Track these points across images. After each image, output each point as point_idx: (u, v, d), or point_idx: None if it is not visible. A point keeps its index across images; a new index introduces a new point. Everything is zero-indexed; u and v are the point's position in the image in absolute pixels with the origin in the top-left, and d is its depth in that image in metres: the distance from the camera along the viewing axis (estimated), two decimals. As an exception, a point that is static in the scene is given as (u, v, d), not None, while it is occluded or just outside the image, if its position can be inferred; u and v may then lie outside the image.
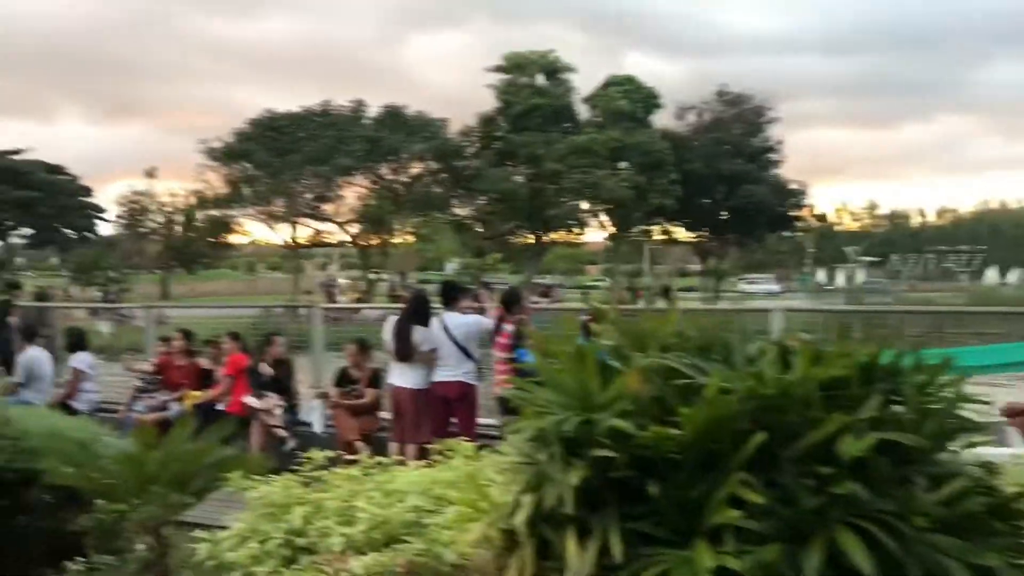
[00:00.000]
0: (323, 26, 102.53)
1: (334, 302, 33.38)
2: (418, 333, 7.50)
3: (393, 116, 44.76)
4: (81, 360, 9.49)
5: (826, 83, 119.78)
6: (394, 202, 45.00)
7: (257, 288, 60.80)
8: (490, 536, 2.52)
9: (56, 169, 58.14)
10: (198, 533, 3.66)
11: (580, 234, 49.97)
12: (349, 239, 48.99)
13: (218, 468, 4.01)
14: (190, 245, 54.18)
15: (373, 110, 45.43)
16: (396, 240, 49.88)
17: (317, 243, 51.89)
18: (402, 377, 7.61)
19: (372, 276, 47.75)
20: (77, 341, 9.78)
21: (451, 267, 58.77)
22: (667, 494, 2.14)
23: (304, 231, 48.54)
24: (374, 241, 47.76)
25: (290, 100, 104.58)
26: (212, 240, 53.56)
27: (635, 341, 2.57)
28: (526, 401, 2.48)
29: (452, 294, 7.82)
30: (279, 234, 49.44)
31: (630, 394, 2.29)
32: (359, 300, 38.35)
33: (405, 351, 7.51)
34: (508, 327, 7.42)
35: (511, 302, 7.68)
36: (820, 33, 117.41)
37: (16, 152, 56.38)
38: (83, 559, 4.37)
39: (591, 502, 2.20)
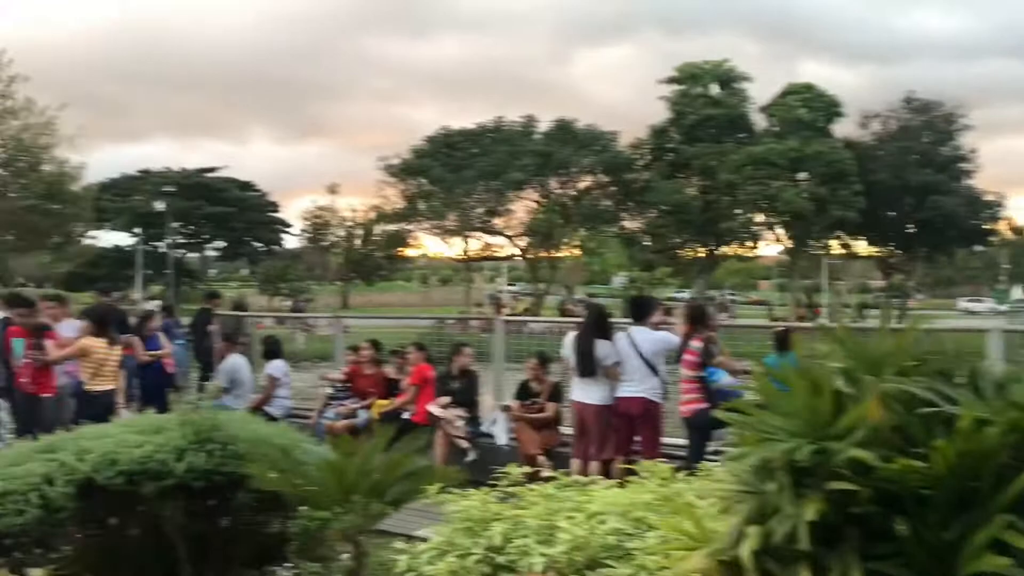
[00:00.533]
0: (495, 45, 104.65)
1: (501, 315, 33.77)
2: (602, 347, 7.38)
3: (563, 130, 45.01)
4: (276, 367, 9.93)
5: (1020, 88, 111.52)
6: (563, 215, 45.16)
7: (430, 300, 62.52)
8: (707, 567, 2.39)
9: (247, 186, 61.83)
10: (395, 543, 3.69)
11: (753, 247, 48.58)
12: (518, 252, 49.52)
13: (413, 479, 4.04)
14: (368, 258, 56.26)
15: (544, 125, 45.93)
16: (563, 254, 50.01)
17: (487, 256, 52.74)
18: (586, 393, 7.50)
19: (540, 289, 48.07)
20: (273, 349, 10.27)
21: (618, 281, 58.40)
22: (916, 534, 1.95)
23: (475, 244, 49.47)
24: (542, 254, 48.05)
25: (465, 117, 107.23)
26: (389, 253, 55.40)
27: (868, 363, 2.38)
28: (748, 426, 2.34)
29: (643, 309, 7.66)
30: (451, 247, 50.61)
31: (868, 422, 2.11)
32: (525, 312, 38.66)
33: (588, 366, 7.40)
34: (695, 344, 7.19)
35: (698, 318, 7.45)
36: (1011, 35, 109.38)
37: (211, 170, 60.44)
38: (283, 563, 4.51)
39: (825, 537, 2.04)
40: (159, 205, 49.13)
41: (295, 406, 10.27)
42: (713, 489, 2.91)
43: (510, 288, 60.52)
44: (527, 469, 3.74)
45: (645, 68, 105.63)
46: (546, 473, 3.73)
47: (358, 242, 56.96)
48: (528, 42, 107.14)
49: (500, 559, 3.20)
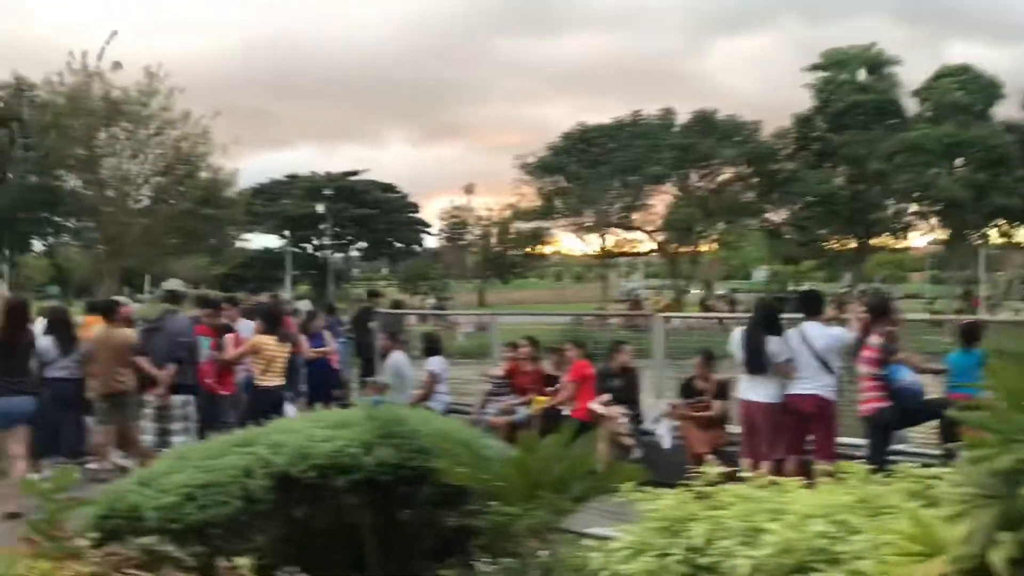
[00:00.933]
0: (628, 39, 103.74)
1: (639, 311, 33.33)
2: (772, 344, 7.17)
3: (703, 122, 44.17)
4: (436, 363, 10.16)
5: None
6: (703, 209, 44.37)
7: (563, 297, 62.51)
8: (947, 574, 2.27)
9: (388, 188, 63.40)
10: (581, 542, 3.67)
11: (904, 238, 46.51)
12: (656, 248, 48.93)
13: (595, 477, 4.01)
14: (504, 256, 56.77)
15: (682, 117, 45.18)
16: (702, 248, 49.11)
17: (624, 252, 52.35)
18: (755, 391, 7.31)
19: (680, 285, 47.37)
20: (433, 346, 10.50)
21: (758, 275, 56.89)
22: None
23: (612, 240, 49.19)
24: (681, 250, 47.33)
25: (599, 114, 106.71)
26: (525, 251, 55.73)
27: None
28: (988, 427, 2.21)
29: (815, 304, 7.42)
30: (588, 244, 50.47)
31: None
32: (667, 308, 38.11)
33: (758, 363, 7.20)
34: (875, 340, 6.88)
35: (879, 312, 7.11)
36: None
37: (354, 173, 62.22)
38: (463, 558, 4.55)
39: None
40: (319, 208, 51.43)
41: (452, 402, 10.46)
42: (947, 493, 2.76)
43: (643, 284, 59.86)
44: (723, 468, 3.65)
45: (785, 56, 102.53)
46: (742, 473, 3.63)
47: (494, 240, 57.57)
48: (662, 35, 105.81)
49: (702, 560, 3.13)
